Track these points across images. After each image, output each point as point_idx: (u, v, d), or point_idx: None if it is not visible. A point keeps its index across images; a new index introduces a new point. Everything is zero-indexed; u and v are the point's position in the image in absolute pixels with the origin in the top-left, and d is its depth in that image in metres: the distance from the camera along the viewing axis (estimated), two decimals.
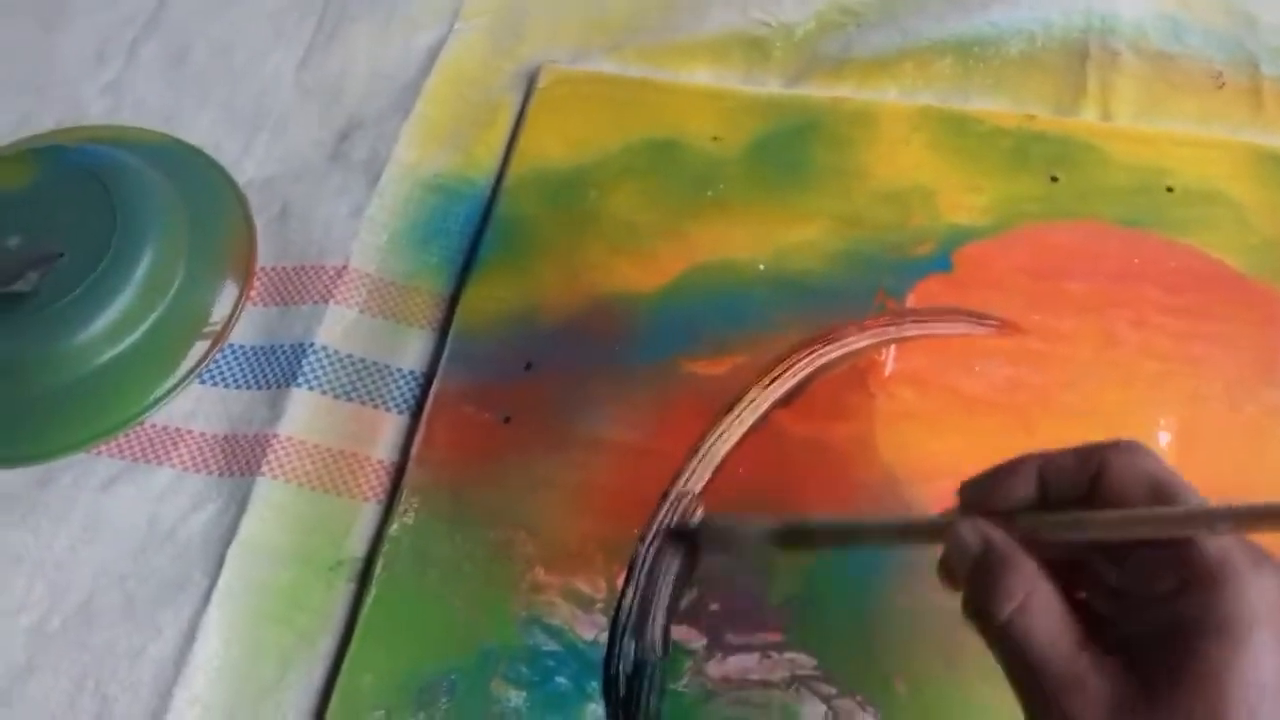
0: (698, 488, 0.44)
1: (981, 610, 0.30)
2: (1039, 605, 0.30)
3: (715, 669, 0.41)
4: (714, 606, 0.42)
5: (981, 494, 0.33)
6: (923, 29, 0.56)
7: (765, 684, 0.40)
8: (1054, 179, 0.50)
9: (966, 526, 0.32)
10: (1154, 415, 0.43)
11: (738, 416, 0.45)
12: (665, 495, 0.44)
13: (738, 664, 0.41)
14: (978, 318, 0.46)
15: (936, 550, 0.33)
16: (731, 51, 0.57)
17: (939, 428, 0.44)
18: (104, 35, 0.63)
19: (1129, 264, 0.47)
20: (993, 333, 0.46)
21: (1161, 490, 0.30)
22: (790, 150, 0.52)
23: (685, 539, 0.43)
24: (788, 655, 0.41)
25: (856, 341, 0.46)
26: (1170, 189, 0.48)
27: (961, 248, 0.48)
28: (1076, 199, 0.49)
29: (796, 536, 0.39)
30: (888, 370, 0.46)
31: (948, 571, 0.33)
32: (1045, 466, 0.32)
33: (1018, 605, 0.30)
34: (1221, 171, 0.49)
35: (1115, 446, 0.31)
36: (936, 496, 0.42)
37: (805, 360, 0.46)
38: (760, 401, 0.45)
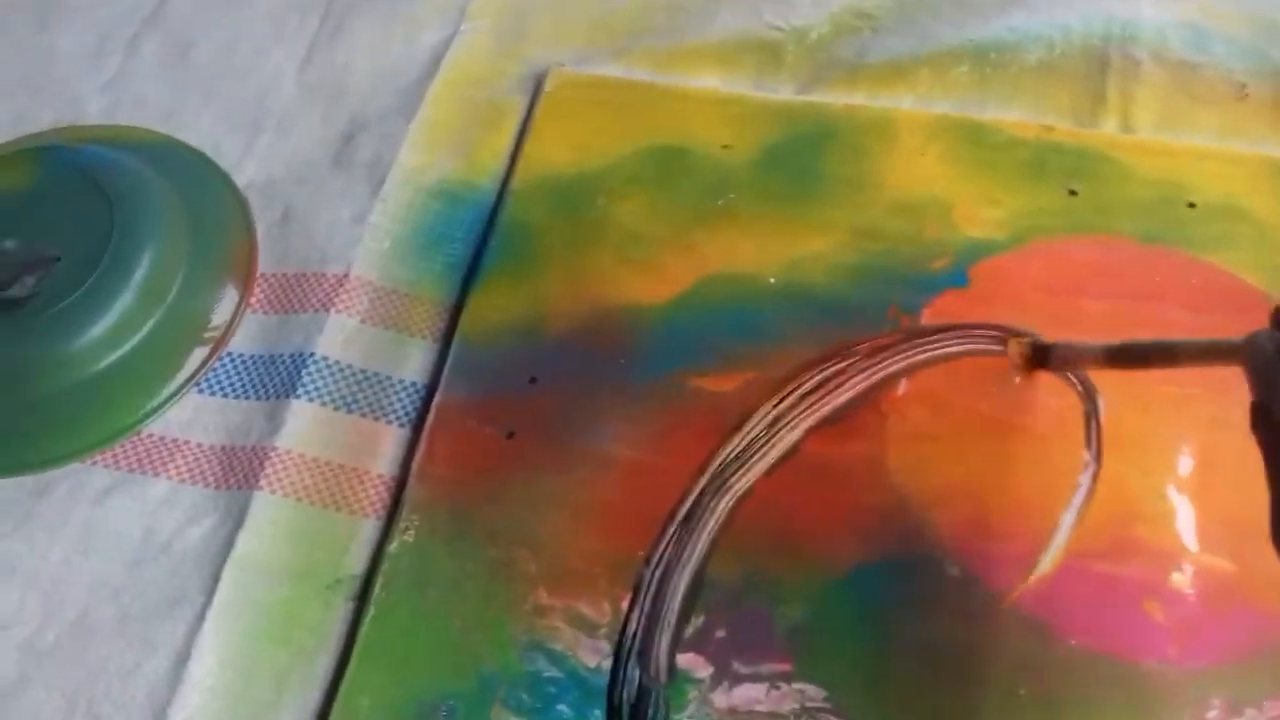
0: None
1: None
2: None
3: (721, 699, 0.40)
4: (721, 634, 0.41)
5: None
6: (940, 34, 0.54)
7: (773, 715, 0.39)
8: (1073, 192, 0.48)
9: (1265, 335, 0.33)
10: (1174, 441, 0.42)
11: (748, 435, 0.44)
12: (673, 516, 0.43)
13: (744, 694, 0.40)
14: (997, 333, 0.45)
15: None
16: (742, 56, 0.56)
17: (953, 451, 0.43)
18: (103, 32, 0.62)
19: (1149, 282, 0.46)
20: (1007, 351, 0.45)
21: None
22: (803, 159, 0.51)
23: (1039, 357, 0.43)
24: (797, 686, 0.40)
25: (889, 366, 0.45)
26: (1192, 204, 0.47)
27: (978, 263, 0.47)
28: (1096, 213, 0.48)
29: (1127, 355, 0.40)
30: (901, 389, 0.45)
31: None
32: None
33: None
34: (1244, 188, 0.48)
35: None
36: (950, 522, 0.42)
37: (839, 382, 0.45)
38: (790, 422, 0.44)
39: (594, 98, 0.55)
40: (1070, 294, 0.46)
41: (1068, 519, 0.41)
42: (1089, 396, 0.43)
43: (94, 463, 0.48)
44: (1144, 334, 0.44)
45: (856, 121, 0.52)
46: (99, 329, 0.49)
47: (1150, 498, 0.41)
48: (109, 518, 0.47)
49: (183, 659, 0.43)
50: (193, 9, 0.62)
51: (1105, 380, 0.43)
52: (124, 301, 0.50)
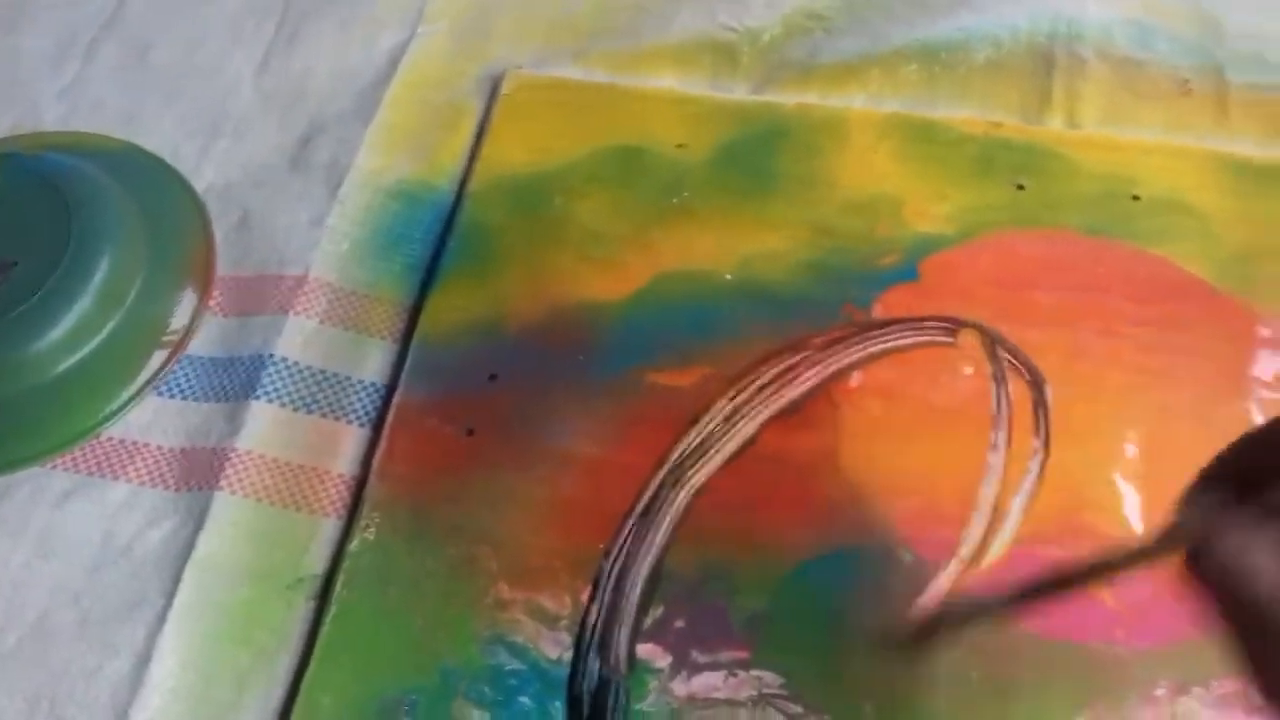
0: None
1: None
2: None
3: (680, 687, 0.40)
4: (679, 624, 0.41)
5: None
6: (890, 34, 0.55)
7: (731, 702, 0.40)
8: (1020, 187, 0.49)
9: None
10: (1121, 428, 0.43)
11: (705, 429, 0.45)
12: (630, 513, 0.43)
13: (703, 682, 0.40)
14: (946, 325, 0.46)
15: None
16: (698, 57, 0.56)
17: (905, 441, 0.44)
18: (61, 37, 0.62)
19: (1096, 274, 0.47)
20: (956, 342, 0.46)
21: None
22: (757, 157, 0.51)
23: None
24: (754, 673, 0.40)
25: (842, 358, 0.46)
26: (1137, 198, 0.48)
27: (928, 257, 0.48)
28: (1043, 207, 0.49)
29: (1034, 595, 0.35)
30: (854, 381, 0.45)
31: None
32: None
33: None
34: (1188, 181, 0.49)
35: None
36: (903, 511, 0.42)
37: (794, 375, 0.46)
38: (746, 415, 0.45)
39: (551, 99, 0.55)
40: (1018, 287, 0.47)
41: (1017, 505, 0.42)
42: (1037, 385, 0.44)
43: (53, 466, 0.48)
44: (1090, 324, 0.45)
45: (809, 120, 0.52)
46: (57, 333, 0.49)
47: (1098, 484, 0.42)
48: (69, 521, 0.47)
49: (144, 660, 0.43)
50: (151, 13, 0.62)
51: (1053, 369, 0.44)
52: (82, 306, 0.50)
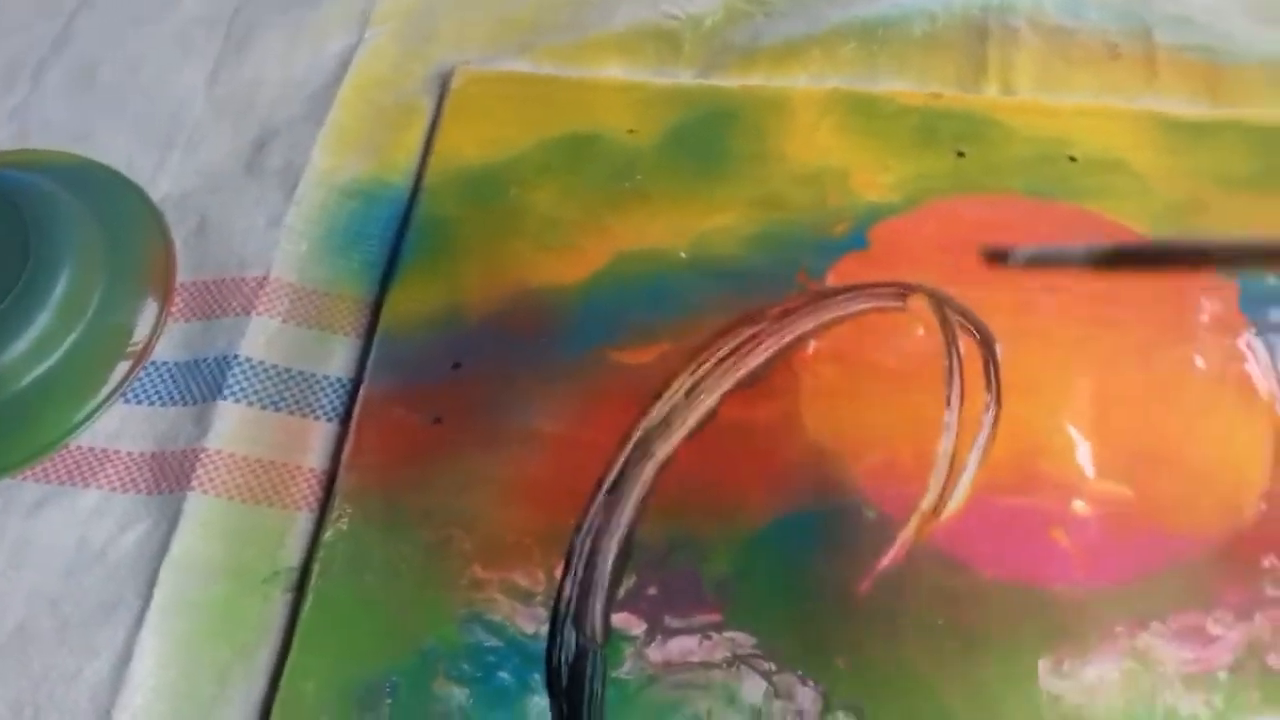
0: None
1: None
2: None
3: (656, 653, 0.41)
4: (652, 591, 0.42)
5: None
6: (828, 14, 0.56)
7: (706, 665, 0.40)
8: (960, 154, 0.51)
9: None
10: (1070, 378, 0.45)
11: (668, 403, 0.46)
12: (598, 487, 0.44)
13: (678, 647, 0.41)
14: (897, 289, 0.47)
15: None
16: (642, 45, 0.57)
17: (864, 402, 0.45)
18: (9, 60, 0.62)
19: (1038, 233, 0.48)
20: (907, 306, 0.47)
21: None
22: (706, 139, 0.53)
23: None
24: (727, 635, 0.41)
25: (797, 327, 0.47)
26: (1073, 159, 0.50)
27: (876, 225, 0.49)
28: (984, 172, 0.50)
29: (1117, 258, 0.39)
30: (810, 349, 0.46)
31: None
32: None
33: None
34: (1122, 141, 0.50)
35: None
36: (864, 470, 0.43)
37: (752, 346, 0.47)
38: (708, 388, 0.46)
39: (501, 93, 0.56)
40: (964, 250, 0.48)
41: (973, 458, 0.43)
42: (987, 343, 0.45)
43: (23, 478, 0.48)
44: (1035, 282, 0.47)
45: (754, 101, 0.54)
46: (19, 346, 0.49)
47: (1051, 433, 0.43)
48: (41, 530, 0.47)
49: (124, 661, 0.43)
50: (98, 32, 0.63)
51: (1002, 325, 0.46)
52: (43, 319, 0.50)
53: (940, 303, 0.46)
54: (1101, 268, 0.39)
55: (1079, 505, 0.42)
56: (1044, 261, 0.43)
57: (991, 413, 0.44)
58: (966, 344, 0.45)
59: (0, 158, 0.58)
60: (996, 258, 0.44)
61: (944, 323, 0.46)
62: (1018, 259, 0.43)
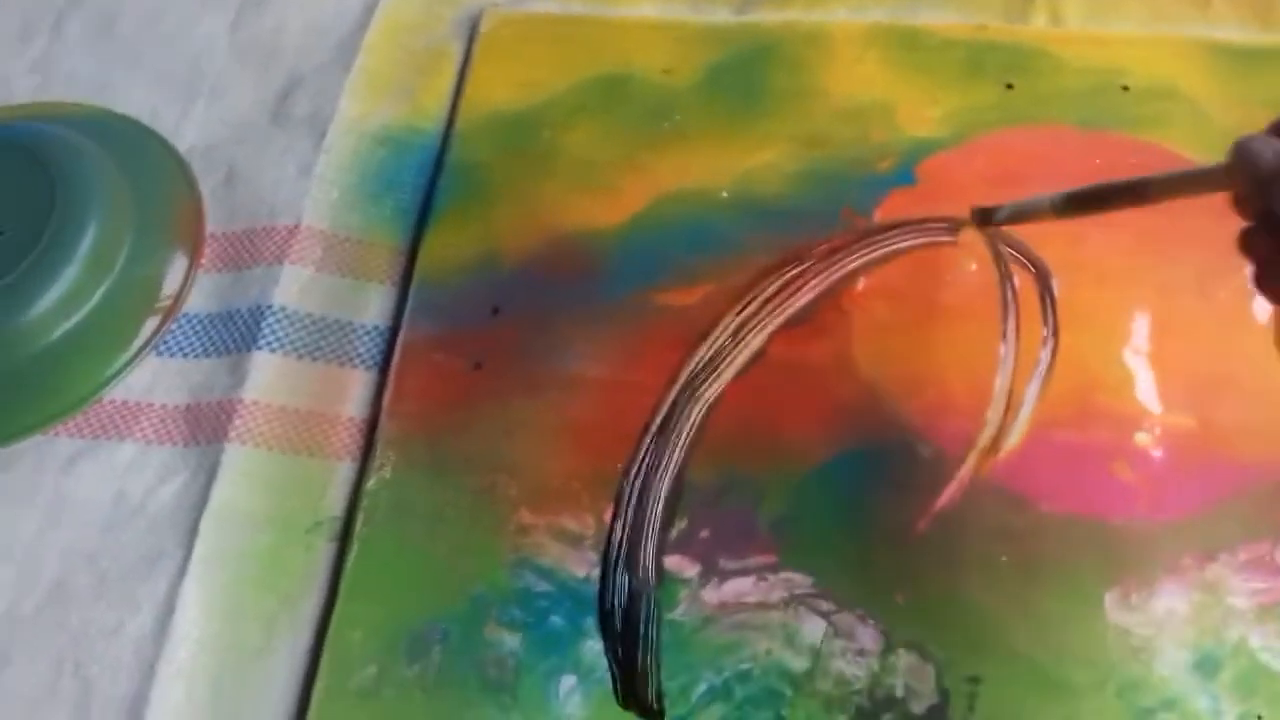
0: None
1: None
2: None
3: (711, 595, 0.40)
4: (704, 534, 0.41)
5: None
6: None
7: (763, 605, 0.40)
8: (1009, 86, 0.49)
9: (1259, 141, 0.29)
10: (1127, 308, 0.43)
11: (715, 344, 0.45)
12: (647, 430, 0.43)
13: (733, 588, 0.40)
14: (947, 224, 0.46)
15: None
16: None
17: (916, 339, 0.44)
18: (27, 11, 0.61)
19: (1090, 164, 0.47)
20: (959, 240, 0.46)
21: None
22: (745, 77, 0.51)
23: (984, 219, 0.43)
24: (783, 575, 0.40)
25: (846, 265, 0.46)
26: (1126, 88, 0.48)
27: (923, 160, 0.48)
28: (1034, 104, 0.49)
29: (1086, 200, 0.38)
30: (860, 285, 0.45)
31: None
32: None
33: None
34: (1175, 68, 0.49)
35: None
36: (919, 407, 0.42)
37: (799, 284, 0.46)
38: (755, 328, 0.45)
39: (531, 34, 0.55)
40: (1014, 183, 0.46)
41: (1031, 392, 0.42)
42: (1042, 276, 0.44)
43: (56, 433, 0.47)
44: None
45: (794, 36, 0.52)
46: (48, 301, 0.48)
47: (1109, 365, 0.43)
48: (78, 485, 0.46)
49: (167, 614, 0.42)
50: None
51: (1056, 258, 0.44)
52: (71, 273, 0.49)
53: (993, 236, 0.45)
54: (1066, 214, 0.39)
55: (1141, 437, 0.41)
56: (1022, 216, 0.42)
57: (1049, 346, 0.43)
58: (1021, 277, 0.44)
59: (23, 110, 0.57)
60: (984, 218, 0.43)
61: (997, 257, 0.45)
62: (1000, 217, 0.43)
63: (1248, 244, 0.31)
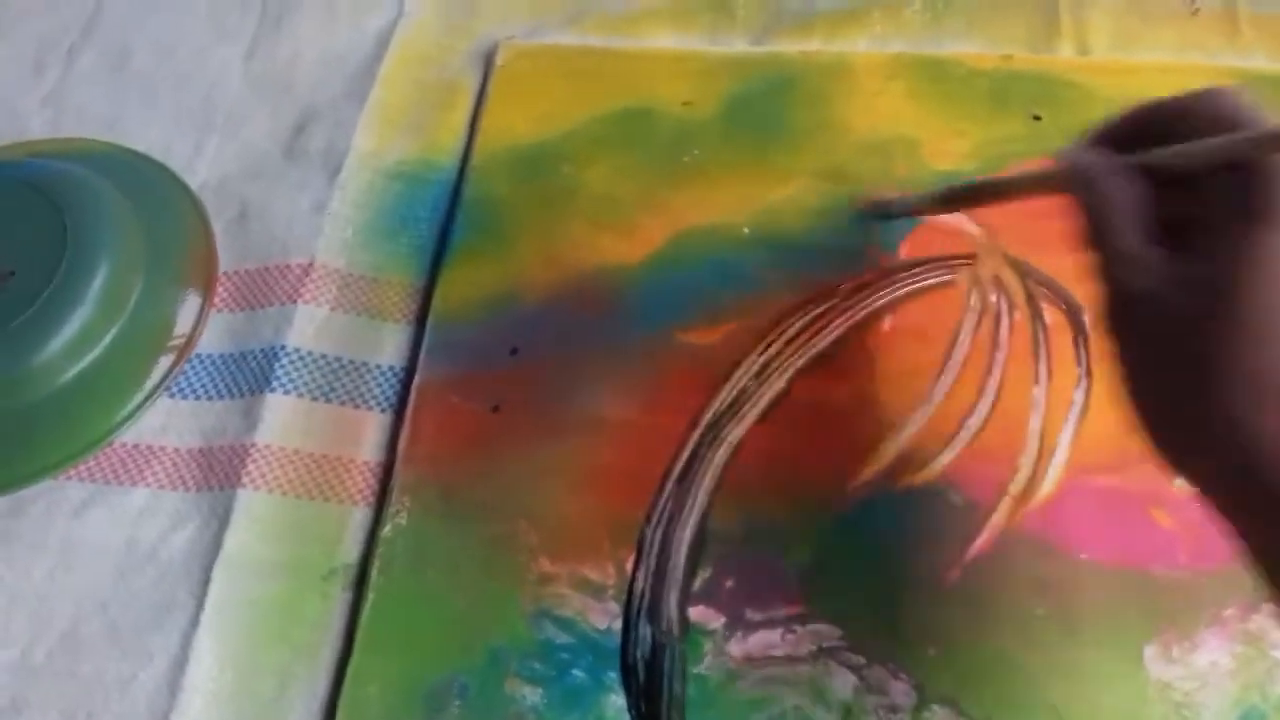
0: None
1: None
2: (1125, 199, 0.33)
3: (737, 648, 0.39)
4: (729, 583, 0.40)
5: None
6: None
7: (791, 659, 0.39)
8: (1036, 117, 0.48)
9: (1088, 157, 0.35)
10: None
11: (738, 385, 0.44)
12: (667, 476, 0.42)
13: (760, 641, 0.39)
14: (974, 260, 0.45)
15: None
16: (694, 13, 0.55)
17: (943, 381, 0.43)
18: (39, 45, 0.60)
19: None
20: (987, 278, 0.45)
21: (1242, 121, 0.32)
22: (765, 109, 0.50)
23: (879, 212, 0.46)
24: (811, 627, 0.39)
25: (871, 303, 0.45)
26: None
27: None
28: (1062, 136, 0.47)
29: (957, 197, 0.42)
30: (886, 325, 0.44)
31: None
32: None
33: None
34: None
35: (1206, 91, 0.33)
36: (951, 454, 0.41)
37: (823, 323, 0.45)
38: (779, 368, 0.44)
39: (548, 67, 0.54)
40: (1044, 217, 0.45)
41: (1065, 437, 0.41)
42: (1073, 313, 0.43)
43: (67, 478, 0.47)
44: None
45: (814, 67, 0.51)
46: (59, 342, 0.48)
47: None
48: (89, 531, 0.45)
49: (180, 664, 0.41)
50: (128, 15, 0.61)
51: (1090, 296, 0.43)
52: (83, 313, 0.48)
53: (1023, 273, 0.44)
54: (947, 208, 0.42)
55: (1181, 483, 0.40)
56: (909, 209, 0.45)
57: (1083, 388, 0.42)
58: (1053, 315, 0.43)
59: (34, 146, 0.56)
60: (880, 212, 0.46)
61: (1029, 296, 0.44)
62: (895, 210, 0.45)
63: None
